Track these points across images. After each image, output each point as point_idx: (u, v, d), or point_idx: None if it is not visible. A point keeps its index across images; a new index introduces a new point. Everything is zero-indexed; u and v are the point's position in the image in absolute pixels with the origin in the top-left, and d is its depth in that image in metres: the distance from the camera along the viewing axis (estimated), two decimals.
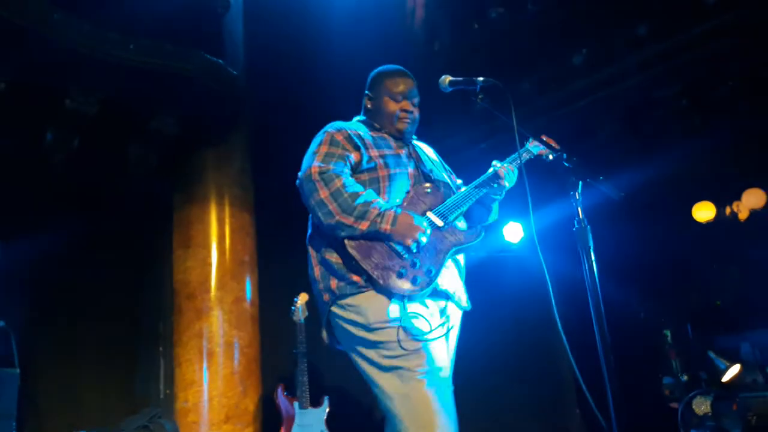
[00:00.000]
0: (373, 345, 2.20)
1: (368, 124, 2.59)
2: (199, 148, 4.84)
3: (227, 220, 4.76)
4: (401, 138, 2.57)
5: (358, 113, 2.68)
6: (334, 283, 2.27)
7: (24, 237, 4.07)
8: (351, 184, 2.26)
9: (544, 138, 2.55)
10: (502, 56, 5.36)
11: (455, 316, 2.45)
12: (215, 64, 4.39)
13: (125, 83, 4.18)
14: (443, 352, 2.26)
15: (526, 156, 2.59)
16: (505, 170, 2.48)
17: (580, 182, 2.29)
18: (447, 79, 2.48)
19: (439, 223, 2.33)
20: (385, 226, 2.19)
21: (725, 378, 4.67)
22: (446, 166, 2.74)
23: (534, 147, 2.62)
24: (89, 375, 4.32)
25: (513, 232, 5.82)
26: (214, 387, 4.36)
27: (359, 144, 2.40)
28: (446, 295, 2.37)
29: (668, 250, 5.75)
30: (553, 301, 2.24)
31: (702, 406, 4.38)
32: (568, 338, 2.34)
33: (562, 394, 5.70)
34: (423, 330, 2.18)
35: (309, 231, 2.45)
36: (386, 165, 2.40)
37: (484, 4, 5.42)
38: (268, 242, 4.98)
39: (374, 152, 2.42)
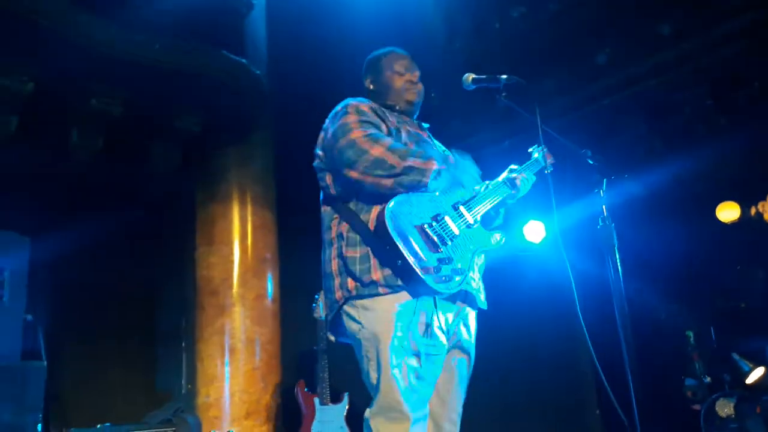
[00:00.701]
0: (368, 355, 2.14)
1: (380, 102, 2.48)
2: (222, 146, 4.88)
3: (249, 218, 4.81)
4: (412, 113, 2.52)
5: None
6: (351, 283, 2.16)
7: (51, 234, 4.15)
8: (396, 142, 2.19)
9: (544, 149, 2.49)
10: (524, 55, 5.34)
11: (470, 319, 2.36)
12: (238, 64, 4.43)
13: (150, 83, 4.23)
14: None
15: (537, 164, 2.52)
16: (521, 178, 2.41)
17: (605, 180, 2.27)
18: (470, 77, 2.44)
19: (470, 220, 2.25)
20: (432, 164, 2.14)
21: (749, 380, 4.61)
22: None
23: (540, 156, 2.55)
24: (113, 369, 4.38)
25: (534, 231, 5.80)
26: (236, 383, 4.41)
27: (383, 116, 2.33)
28: (466, 295, 2.29)
29: (691, 250, 5.68)
30: (576, 301, 2.20)
31: (725, 408, 4.34)
32: (589, 338, 2.31)
33: (582, 394, 5.68)
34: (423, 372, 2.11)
35: (328, 217, 2.33)
36: (416, 143, 2.33)
37: (506, 3, 5.40)
38: (289, 239, 5.01)
39: (397, 125, 2.35)
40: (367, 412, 2.16)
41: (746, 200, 5.86)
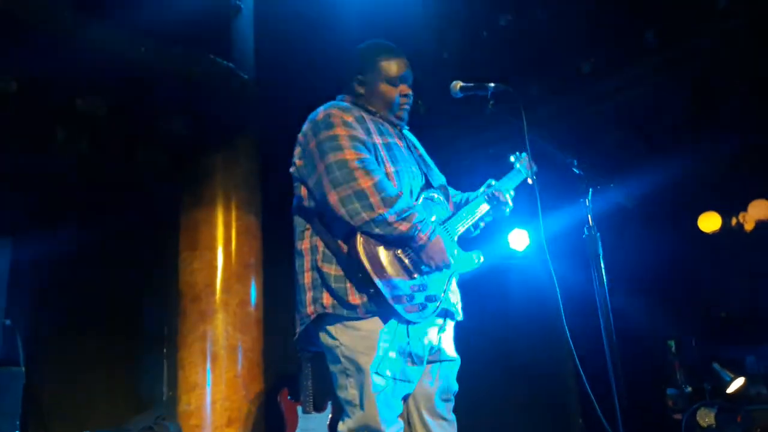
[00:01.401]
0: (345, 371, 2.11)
1: (361, 106, 2.33)
2: (207, 150, 4.85)
3: (234, 223, 4.77)
4: (395, 124, 2.39)
5: None
6: (327, 299, 2.07)
7: (32, 236, 4.09)
8: (388, 182, 2.07)
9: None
10: (511, 64, 5.38)
11: (448, 333, 2.32)
12: (225, 68, 4.41)
13: (136, 85, 4.21)
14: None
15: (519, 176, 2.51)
16: (501, 195, 2.39)
17: (591, 189, 2.28)
18: (458, 84, 2.41)
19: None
20: (423, 236, 2.04)
21: (730, 390, 4.66)
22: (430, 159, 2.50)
23: (522, 166, 2.54)
24: (93, 375, 4.32)
25: (518, 239, 5.82)
26: (218, 390, 4.36)
27: (366, 128, 2.20)
28: (445, 313, 2.24)
29: (673, 260, 5.74)
30: (561, 309, 2.20)
31: (706, 417, 4.37)
32: (573, 347, 2.31)
33: (565, 403, 5.69)
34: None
35: (300, 227, 2.23)
36: (391, 159, 2.20)
37: (493, 12, 5.43)
38: (274, 245, 4.97)
39: (377, 139, 2.21)
40: (342, 426, 2.13)
41: (728, 210, 5.94)
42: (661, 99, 5.31)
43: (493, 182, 2.45)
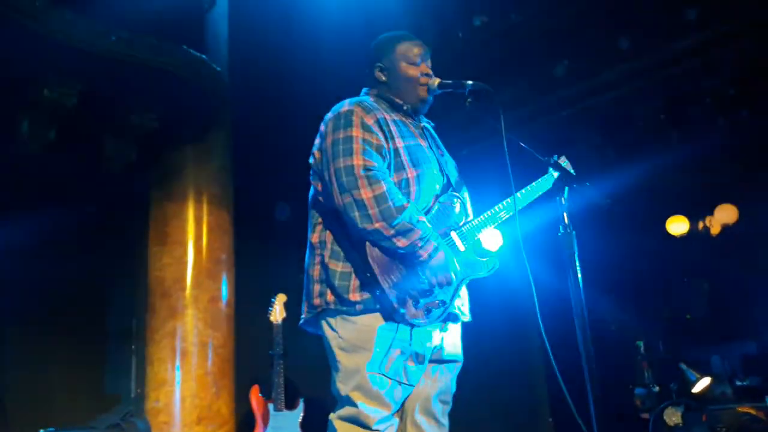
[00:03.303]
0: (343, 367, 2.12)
1: (386, 100, 2.34)
2: (178, 144, 4.77)
3: (205, 218, 4.71)
4: (418, 113, 2.39)
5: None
6: (330, 295, 2.12)
7: None
8: (395, 192, 2.06)
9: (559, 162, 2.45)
10: (485, 64, 5.41)
11: (452, 333, 2.31)
12: (198, 59, 4.35)
13: (106, 75, 4.11)
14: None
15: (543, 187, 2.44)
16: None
17: (567, 188, 2.29)
18: (436, 81, 2.37)
19: (461, 248, 2.21)
20: (423, 253, 2.02)
21: (695, 389, 4.74)
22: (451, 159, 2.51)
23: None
24: (58, 372, 4.22)
25: (492, 238, 5.82)
26: (187, 387, 4.30)
27: (386, 132, 2.18)
28: (447, 316, 2.22)
29: (641, 262, 5.83)
30: (537, 308, 2.20)
31: (673, 416, 4.43)
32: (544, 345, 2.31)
33: (535, 402, 5.74)
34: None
35: (313, 219, 2.26)
36: (413, 163, 2.19)
37: (469, 13, 5.46)
38: (246, 242, 4.93)
39: (399, 143, 2.20)
40: (333, 415, 2.15)
41: (695, 214, 6.06)
42: (632, 104, 5.39)
43: (519, 194, 2.41)
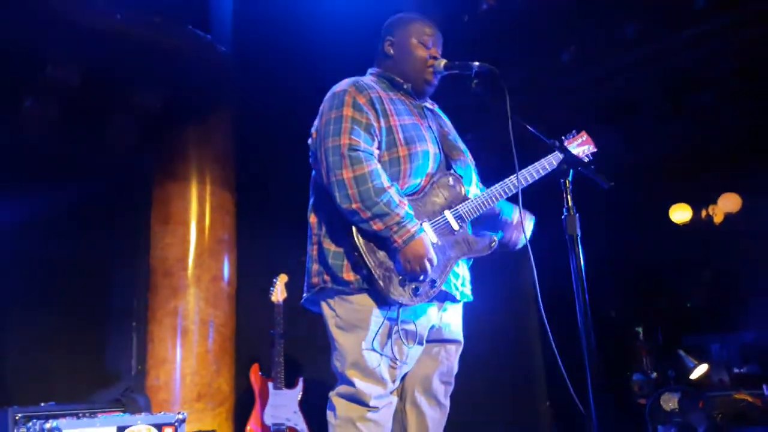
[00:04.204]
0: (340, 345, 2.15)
1: (386, 78, 2.36)
2: (182, 124, 4.77)
3: (207, 198, 4.72)
4: (421, 97, 2.38)
5: None
6: (326, 274, 2.16)
7: None
8: (378, 174, 2.05)
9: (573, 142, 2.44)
10: (491, 49, 5.37)
11: (452, 314, 2.31)
12: (203, 39, 4.34)
13: (110, 53, 4.10)
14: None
15: (547, 166, 2.38)
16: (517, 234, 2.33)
17: (572, 170, 2.28)
18: (442, 62, 2.36)
19: (455, 227, 2.19)
20: (397, 239, 2.01)
21: (693, 376, 4.77)
22: (460, 140, 2.48)
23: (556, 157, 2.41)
24: (60, 347, 4.24)
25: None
26: (188, 365, 4.33)
27: (379, 110, 2.18)
28: (445, 296, 2.23)
29: (644, 249, 5.84)
30: (538, 292, 2.19)
31: (669, 402, 4.46)
32: (542, 328, 2.30)
33: (532, 386, 5.77)
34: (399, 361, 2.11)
35: (312, 199, 2.29)
36: (406, 141, 2.18)
37: None
38: (248, 222, 4.94)
39: (393, 120, 2.20)
40: (332, 393, 2.18)
41: (698, 203, 6.06)
42: (638, 91, 5.36)
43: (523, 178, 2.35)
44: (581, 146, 2.53)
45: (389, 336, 2.10)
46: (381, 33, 2.45)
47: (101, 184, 4.62)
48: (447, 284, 2.19)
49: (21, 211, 4.03)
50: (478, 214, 2.25)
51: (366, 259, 2.03)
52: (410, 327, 2.14)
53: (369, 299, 2.10)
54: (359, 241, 2.04)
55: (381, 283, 2.03)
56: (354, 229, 2.05)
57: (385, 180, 2.07)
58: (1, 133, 4.25)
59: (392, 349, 2.11)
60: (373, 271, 2.02)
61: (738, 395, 4.29)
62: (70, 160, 4.51)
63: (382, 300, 2.08)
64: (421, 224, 2.11)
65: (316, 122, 2.25)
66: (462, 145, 2.45)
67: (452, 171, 2.30)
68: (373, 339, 2.09)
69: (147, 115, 4.59)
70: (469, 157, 2.45)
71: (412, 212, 2.09)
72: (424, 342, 2.21)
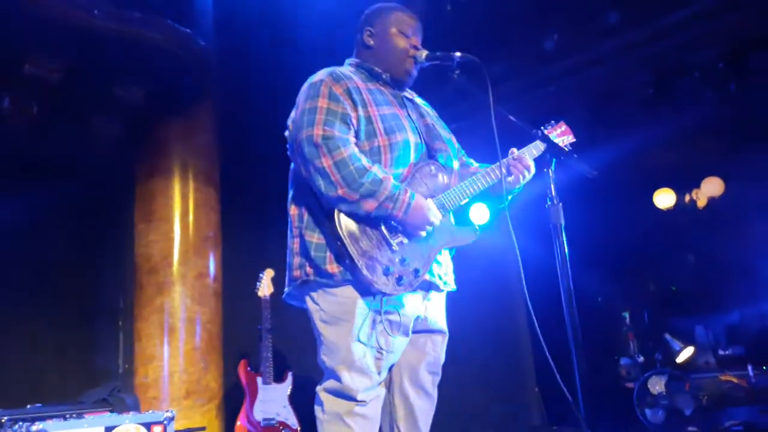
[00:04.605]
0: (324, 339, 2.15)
1: (365, 69, 2.34)
2: (164, 119, 4.72)
3: (191, 195, 4.68)
4: (400, 87, 2.37)
5: None
6: (309, 267, 2.13)
7: None
8: (357, 157, 2.04)
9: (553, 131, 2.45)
10: (474, 39, 5.36)
11: (436, 304, 2.31)
12: (183, 33, 4.29)
13: (89, 49, 4.05)
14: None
15: (535, 152, 2.36)
16: (519, 171, 2.29)
17: (554, 159, 2.28)
18: (423, 53, 2.35)
19: (438, 216, 2.16)
20: (397, 213, 2.02)
21: (679, 359, 4.82)
22: (446, 127, 2.49)
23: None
24: (45, 347, 4.21)
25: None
26: (175, 363, 4.31)
27: (356, 100, 2.17)
28: (429, 285, 2.23)
29: (628, 234, 5.87)
30: (524, 281, 2.20)
31: (656, 385, 4.51)
32: (529, 316, 2.31)
33: (521, 372, 5.81)
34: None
35: (291, 192, 2.26)
36: (386, 131, 2.17)
37: None
38: (233, 218, 4.91)
39: (372, 110, 2.18)
40: (319, 387, 2.17)
41: (682, 187, 6.10)
42: (621, 78, 5.37)
43: (515, 150, 2.34)
44: (561, 136, 2.54)
45: (373, 327, 2.10)
46: (359, 23, 2.44)
47: (83, 182, 4.57)
48: (431, 273, 2.19)
49: (1, 211, 3.98)
50: (460, 203, 2.25)
51: (349, 249, 2.01)
52: (394, 317, 2.13)
53: (353, 291, 2.09)
54: (342, 231, 2.02)
55: (364, 272, 2.00)
56: (337, 218, 2.03)
57: (365, 161, 2.06)
58: None
59: (377, 340, 2.10)
60: (356, 261, 2.00)
61: (724, 377, 4.34)
62: (51, 158, 4.46)
63: (366, 291, 2.08)
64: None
65: (292, 114, 2.22)
66: (446, 134, 2.44)
67: (434, 160, 2.29)
68: (359, 331, 2.09)
69: (128, 111, 4.55)
70: (454, 146, 2.44)
71: (398, 182, 2.09)
72: (410, 332, 2.21)
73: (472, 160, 2.53)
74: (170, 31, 4.18)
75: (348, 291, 2.10)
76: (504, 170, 2.30)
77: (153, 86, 4.47)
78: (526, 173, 2.31)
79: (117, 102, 4.44)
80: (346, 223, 2.04)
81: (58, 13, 3.76)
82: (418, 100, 2.49)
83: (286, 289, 2.27)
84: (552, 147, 2.33)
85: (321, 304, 2.14)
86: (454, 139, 2.49)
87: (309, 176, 2.06)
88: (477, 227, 2.29)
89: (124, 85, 4.40)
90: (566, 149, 2.42)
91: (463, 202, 2.26)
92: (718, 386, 4.27)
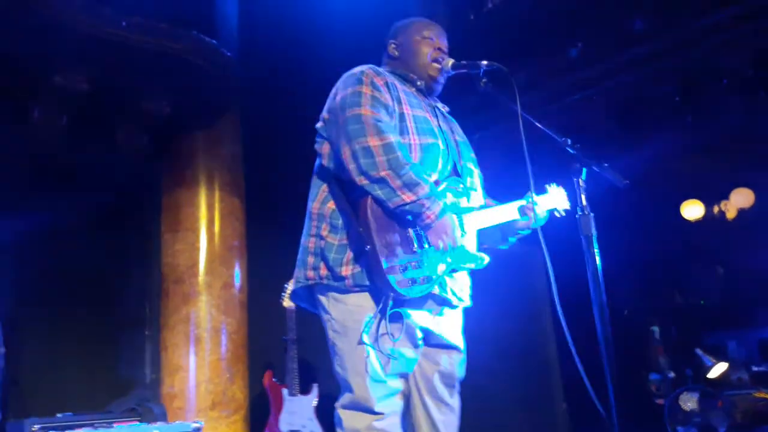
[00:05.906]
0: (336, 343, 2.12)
1: (399, 74, 2.33)
2: (190, 130, 4.77)
3: (217, 205, 4.72)
4: (432, 92, 2.37)
5: None
6: (324, 269, 2.08)
7: (10, 216, 3.98)
8: (403, 147, 2.01)
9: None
10: (497, 48, 5.34)
11: (451, 320, 2.26)
12: (209, 45, 4.32)
13: (117, 61, 4.10)
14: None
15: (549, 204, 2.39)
16: (533, 212, 2.27)
17: (585, 169, 2.24)
18: (449, 62, 2.34)
19: (459, 238, 2.10)
20: (430, 214, 1.98)
21: (711, 375, 4.71)
22: (472, 152, 2.45)
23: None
24: (74, 357, 4.24)
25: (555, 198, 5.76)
26: (201, 373, 4.32)
27: (393, 96, 2.15)
28: (442, 300, 2.17)
29: (656, 246, 5.78)
30: (555, 292, 2.15)
31: (688, 402, 4.41)
32: (558, 329, 2.27)
33: (548, 387, 5.72)
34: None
35: (314, 191, 2.21)
36: (418, 131, 2.14)
37: None
38: (258, 228, 4.93)
39: (407, 109, 2.16)
40: (337, 404, 2.13)
41: (710, 198, 6.00)
42: (647, 86, 5.31)
43: (534, 196, 2.32)
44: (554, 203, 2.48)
45: (379, 331, 2.05)
46: (387, 37, 2.46)
47: (111, 192, 4.62)
48: (442, 288, 2.15)
49: (30, 221, 4.03)
50: (477, 229, 2.22)
51: (374, 235, 1.95)
52: (399, 324, 2.07)
53: (362, 299, 2.05)
54: (370, 218, 1.97)
55: (383, 259, 1.94)
56: (368, 205, 1.98)
57: (408, 155, 2.04)
58: (11, 142, 4.25)
59: (383, 345, 2.05)
60: (377, 248, 1.94)
61: (758, 394, 4.23)
62: (79, 168, 4.52)
63: (375, 296, 2.03)
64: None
65: (327, 104, 2.19)
66: (472, 155, 2.42)
67: (462, 180, 2.27)
68: (365, 336, 2.04)
69: (155, 122, 4.59)
70: (476, 169, 2.41)
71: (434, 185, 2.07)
72: (419, 344, 2.16)
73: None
74: (196, 43, 4.22)
75: (357, 299, 2.05)
76: (518, 210, 2.30)
77: (179, 97, 4.52)
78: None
79: (144, 113, 4.50)
80: (376, 212, 1.98)
81: (86, 26, 3.81)
82: (449, 117, 2.47)
83: (292, 287, 2.23)
84: (581, 156, 2.29)
85: (332, 313, 2.10)
86: (477, 165, 2.45)
87: (350, 154, 1.99)
88: (482, 259, 2.22)
89: (150, 97, 4.45)
90: (558, 215, 2.40)
91: (480, 227, 2.23)
92: (752, 403, 4.15)
